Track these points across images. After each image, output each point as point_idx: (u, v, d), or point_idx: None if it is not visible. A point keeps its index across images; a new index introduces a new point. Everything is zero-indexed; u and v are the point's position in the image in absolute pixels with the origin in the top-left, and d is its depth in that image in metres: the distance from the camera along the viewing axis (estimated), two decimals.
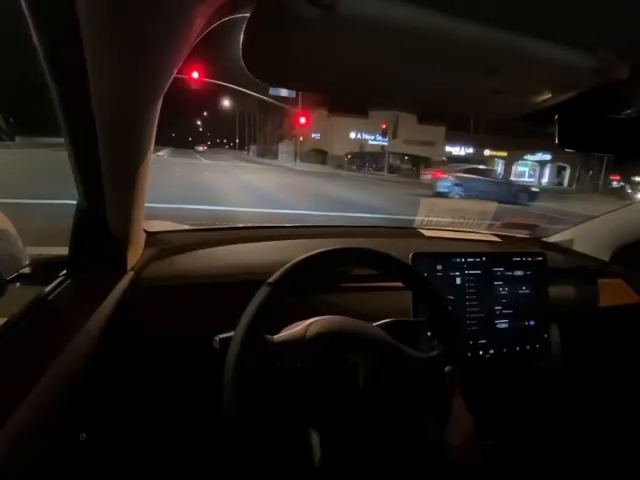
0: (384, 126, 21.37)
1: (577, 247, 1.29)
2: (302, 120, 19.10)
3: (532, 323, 1.03)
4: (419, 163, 25.96)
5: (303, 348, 0.54)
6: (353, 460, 0.53)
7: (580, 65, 0.49)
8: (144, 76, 0.49)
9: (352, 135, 26.93)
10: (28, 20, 0.39)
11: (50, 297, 0.63)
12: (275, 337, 0.55)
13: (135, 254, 0.83)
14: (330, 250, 0.58)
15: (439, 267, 0.95)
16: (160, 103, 0.56)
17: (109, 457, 0.72)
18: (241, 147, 61.09)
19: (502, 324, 1.00)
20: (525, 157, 28.17)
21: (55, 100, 0.48)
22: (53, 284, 0.67)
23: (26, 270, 0.70)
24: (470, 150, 28.27)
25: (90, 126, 0.51)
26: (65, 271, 0.71)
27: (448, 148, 27.82)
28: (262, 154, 38.69)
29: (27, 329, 0.54)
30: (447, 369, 0.57)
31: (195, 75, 14.65)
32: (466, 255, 0.98)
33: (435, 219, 1.30)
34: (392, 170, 23.74)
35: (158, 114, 0.60)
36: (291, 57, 0.50)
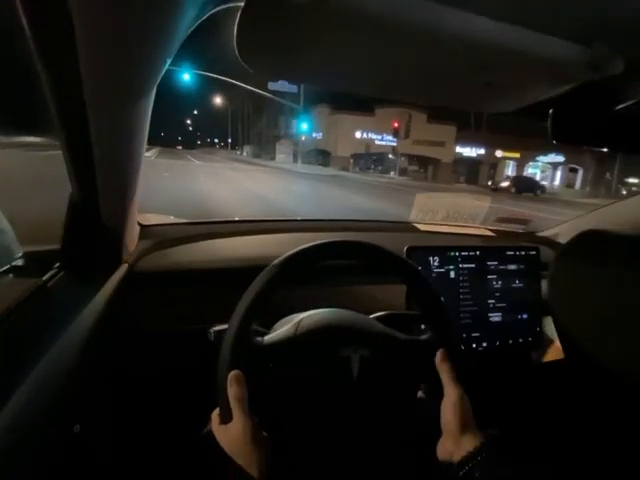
0: (396, 124, 19.27)
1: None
2: (304, 125, 17.79)
3: (525, 316, 1.04)
4: (427, 164, 24.18)
5: (295, 346, 0.54)
6: (349, 455, 0.54)
7: (574, 59, 0.49)
8: (136, 67, 0.49)
9: (358, 135, 24.65)
10: (19, 9, 0.39)
11: (43, 289, 0.63)
12: (266, 338, 0.55)
13: (129, 246, 0.83)
14: (324, 243, 0.57)
15: (433, 261, 0.96)
16: (153, 94, 0.56)
17: (103, 449, 0.72)
18: (233, 147, 58.52)
19: (495, 317, 1.01)
20: (537, 158, 26.59)
21: (46, 91, 0.48)
22: (46, 276, 0.66)
23: (19, 262, 0.69)
24: (482, 151, 26.60)
25: (82, 117, 0.50)
26: (58, 263, 0.70)
27: (459, 149, 26.22)
28: (257, 154, 36.08)
29: (20, 321, 0.54)
30: (439, 351, 0.57)
31: (186, 76, 13.33)
32: (460, 249, 0.98)
33: (430, 213, 1.31)
34: (400, 172, 22.31)
35: (151, 106, 0.59)
36: (287, 48, 0.50)
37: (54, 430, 0.50)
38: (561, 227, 1.35)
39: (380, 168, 24.63)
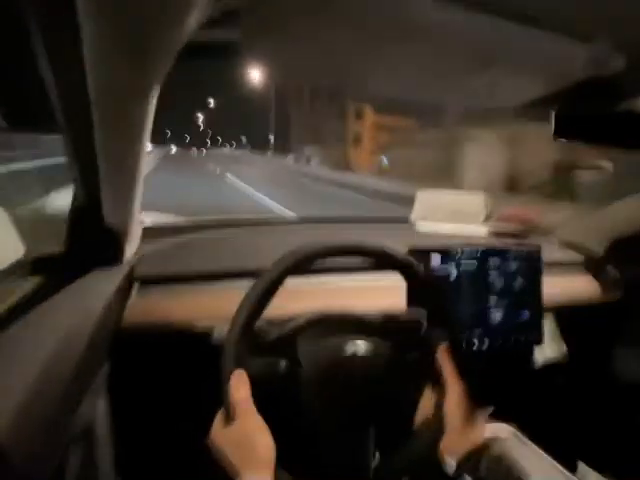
0: None
1: (572, 240, 1.30)
2: None
3: (527, 315, 1.04)
4: None
5: (297, 342, 0.55)
6: (355, 451, 0.54)
7: (576, 56, 0.49)
8: (141, 65, 0.48)
9: None
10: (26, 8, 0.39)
11: (45, 289, 0.63)
12: (267, 336, 0.55)
13: (131, 247, 0.83)
14: (327, 243, 0.57)
15: (434, 260, 0.95)
16: (157, 92, 0.56)
17: (104, 450, 0.72)
18: (280, 149, 35.02)
19: (497, 316, 1.01)
20: None
21: (51, 89, 0.48)
22: (48, 275, 0.66)
23: (21, 261, 0.69)
24: None
25: (86, 116, 0.50)
26: (60, 263, 0.70)
27: None
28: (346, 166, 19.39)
29: (21, 321, 0.54)
30: (441, 346, 0.58)
31: None
32: (461, 247, 0.98)
33: (431, 212, 1.30)
34: None
35: (155, 104, 0.59)
36: (290, 46, 0.49)
37: (54, 431, 0.49)
38: (563, 226, 1.36)
39: None
